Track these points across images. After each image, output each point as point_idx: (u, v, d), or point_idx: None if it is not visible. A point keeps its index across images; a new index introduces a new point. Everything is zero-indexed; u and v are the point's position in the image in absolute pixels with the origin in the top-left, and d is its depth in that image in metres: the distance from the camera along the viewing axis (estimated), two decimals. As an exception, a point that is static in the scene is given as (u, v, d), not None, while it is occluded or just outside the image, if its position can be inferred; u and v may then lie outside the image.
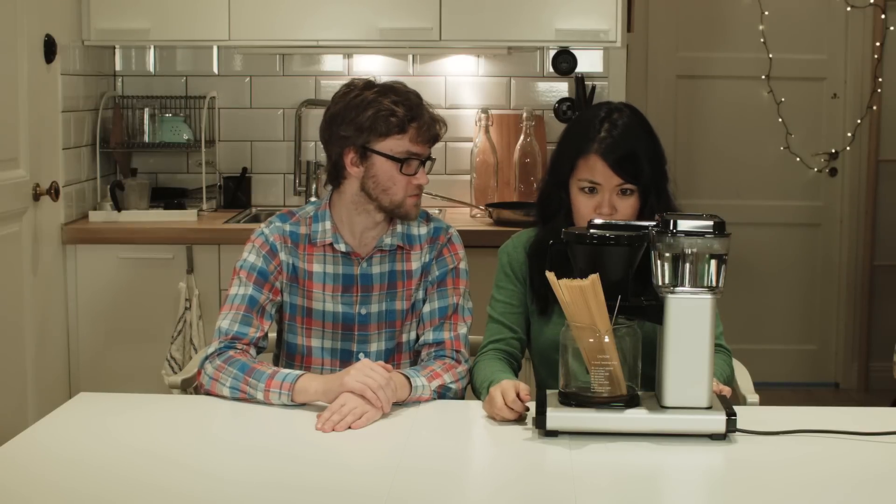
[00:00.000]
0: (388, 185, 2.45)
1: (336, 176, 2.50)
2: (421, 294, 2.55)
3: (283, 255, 2.51)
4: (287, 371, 2.31)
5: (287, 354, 2.58)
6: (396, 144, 2.43)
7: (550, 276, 2.07)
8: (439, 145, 4.44)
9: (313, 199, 4.26)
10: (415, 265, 2.54)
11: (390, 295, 2.53)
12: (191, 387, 2.61)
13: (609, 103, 2.48)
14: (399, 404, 2.28)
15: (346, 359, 2.52)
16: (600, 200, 2.36)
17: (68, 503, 1.80)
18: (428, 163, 2.49)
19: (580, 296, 2.04)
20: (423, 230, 2.58)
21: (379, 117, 2.41)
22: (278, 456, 1.99)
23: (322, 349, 2.53)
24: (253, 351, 2.45)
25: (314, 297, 2.52)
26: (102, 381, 3.80)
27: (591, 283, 2.04)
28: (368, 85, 2.47)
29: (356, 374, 2.22)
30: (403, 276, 2.54)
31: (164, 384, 2.62)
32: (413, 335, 2.56)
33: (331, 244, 2.51)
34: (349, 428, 2.14)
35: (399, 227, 2.55)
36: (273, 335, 2.66)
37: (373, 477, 1.89)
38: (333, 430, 2.13)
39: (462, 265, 2.58)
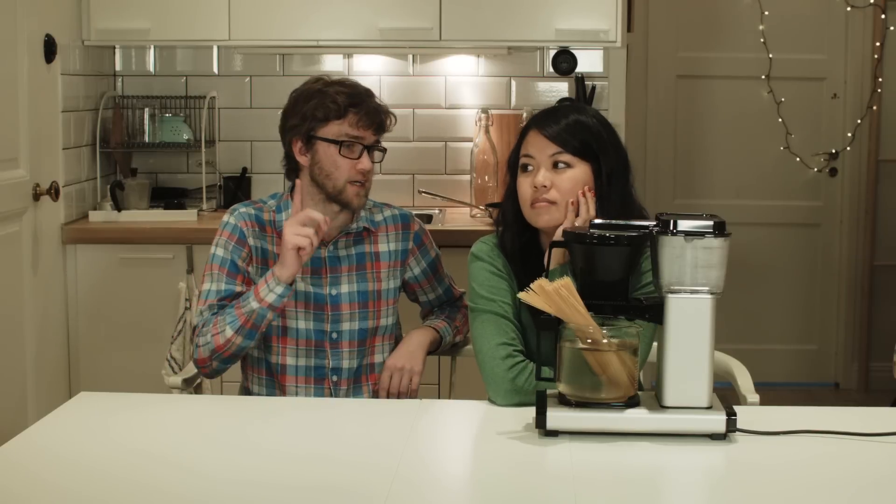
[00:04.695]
0: (331, 170, 2.53)
1: (290, 169, 2.61)
2: (392, 283, 2.64)
3: (251, 241, 2.57)
4: (262, 285, 2.43)
5: (263, 338, 2.61)
6: (336, 128, 2.52)
7: (524, 296, 2.05)
8: (439, 145, 4.49)
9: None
10: (382, 248, 2.65)
11: (360, 276, 2.62)
12: (191, 387, 2.62)
13: (572, 100, 2.44)
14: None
15: (319, 338, 2.60)
16: (535, 176, 2.31)
17: (68, 503, 1.80)
18: (377, 153, 2.58)
19: (553, 301, 2.03)
20: (382, 215, 2.68)
21: (320, 105, 2.52)
22: (278, 456, 1.99)
23: (297, 330, 2.59)
24: None
25: None
26: (102, 381, 3.80)
27: (563, 287, 2.03)
28: (319, 79, 2.59)
29: (289, 238, 2.39)
30: (372, 258, 2.64)
31: (165, 384, 2.62)
32: (391, 320, 2.65)
33: None
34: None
35: (363, 213, 2.64)
36: None
37: (373, 476, 1.89)
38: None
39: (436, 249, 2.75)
